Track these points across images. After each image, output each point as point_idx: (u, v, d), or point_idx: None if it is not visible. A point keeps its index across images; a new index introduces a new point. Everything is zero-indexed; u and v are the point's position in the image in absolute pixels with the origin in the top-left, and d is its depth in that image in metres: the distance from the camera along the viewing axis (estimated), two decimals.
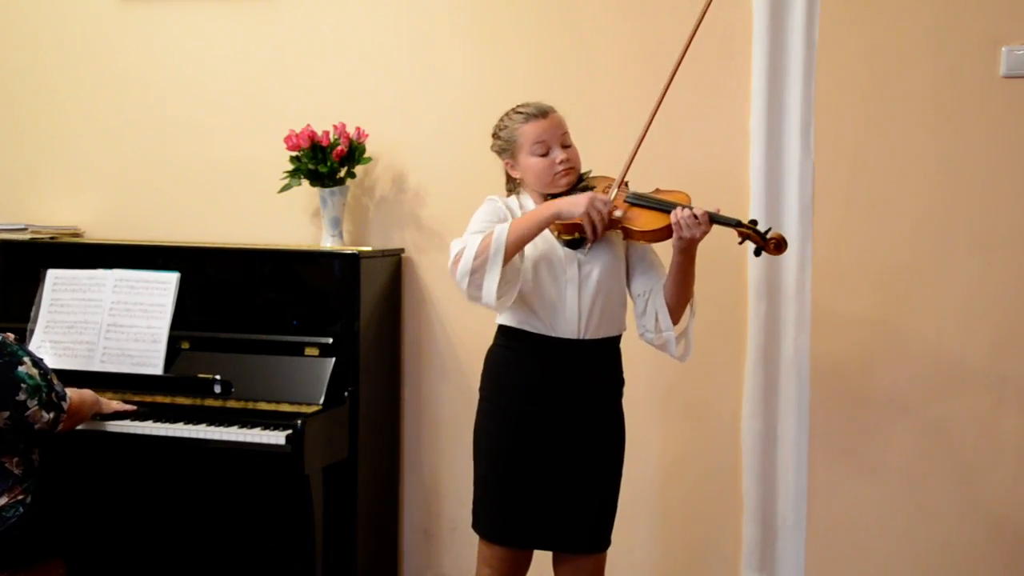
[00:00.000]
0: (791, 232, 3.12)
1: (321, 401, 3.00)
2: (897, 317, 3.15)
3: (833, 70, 3.12)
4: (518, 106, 2.59)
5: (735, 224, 2.38)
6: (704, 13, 2.52)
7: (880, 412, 3.17)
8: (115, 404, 2.97)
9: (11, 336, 2.72)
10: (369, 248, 3.28)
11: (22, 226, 3.48)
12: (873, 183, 3.14)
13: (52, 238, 3.51)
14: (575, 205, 2.38)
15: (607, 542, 2.59)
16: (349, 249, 3.18)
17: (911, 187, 3.13)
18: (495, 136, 2.61)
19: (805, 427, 3.17)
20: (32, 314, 3.21)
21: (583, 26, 3.29)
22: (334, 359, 3.07)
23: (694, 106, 3.20)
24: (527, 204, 2.59)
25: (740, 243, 2.42)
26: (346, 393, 3.08)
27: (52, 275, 3.25)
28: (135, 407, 3.00)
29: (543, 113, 2.54)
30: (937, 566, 3.16)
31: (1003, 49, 3.05)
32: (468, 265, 2.38)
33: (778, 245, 2.37)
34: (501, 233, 2.37)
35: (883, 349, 3.16)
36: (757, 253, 2.41)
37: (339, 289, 3.14)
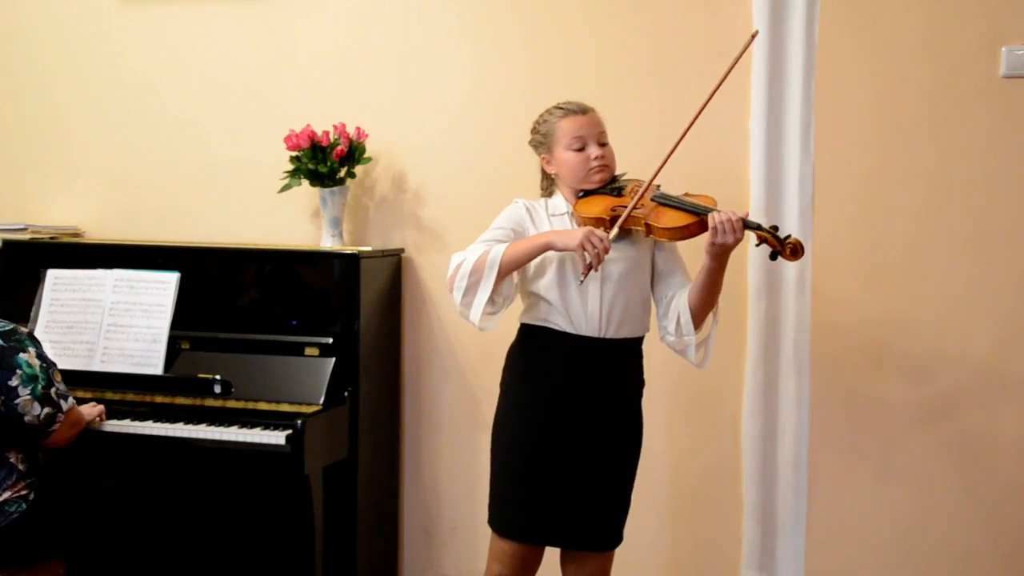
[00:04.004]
0: (791, 232, 3.12)
1: (321, 401, 3.00)
2: (897, 316, 3.15)
3: (833, 70, 3.12)
4: (559, 103, 2.62)
5: (757, 228, 2.40)
6: (745, 48, 2.48)
7: (880, 412, 3.17)
8: (93, 411, 2.96)
9: (25, 329, 2.74)
10: (369, 248, 3.28)
11: (22, 226, 3.48)
12: (873, 183, 3.14)
13: (52, 238, 3.51)
14: (571, 238, 2.39)
15: (619, 540, 2.60)
16: (349, 249, 3.18)
17: (911, 187, 3.13)
18: (533, 131, 2.64)
19: (805, 427, 3.17)
20: (32, 314, 3.21)
21: (584, 28, 3.29)
22: (334, 359, 3.07)
23: (694, 106, 3.20)
24: (556, 205, 2.61)
25: (757, 245, 2.43)
26: (346, 393, 3.08)
27: (52, 275, 3.25)
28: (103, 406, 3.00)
29: (583, 110, 2.58)
30: (937, 566, 3.16)
31: (1003, 49, 3.05)
32: (464, 281, 2.45)
33: (794, 250, 2.38)
34: (497, 254, 2.43)
35: (883, 348, 3.16)
36: (773, 257, 2.42)
37: (339, 289, 3.14)
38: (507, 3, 3.34)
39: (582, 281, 2.43)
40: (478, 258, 2.44)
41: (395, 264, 3.41)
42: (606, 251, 2.38)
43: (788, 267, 3.13)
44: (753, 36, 2.49)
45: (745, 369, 3.20)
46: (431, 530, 3.49)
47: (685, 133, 2.49)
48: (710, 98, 2.48)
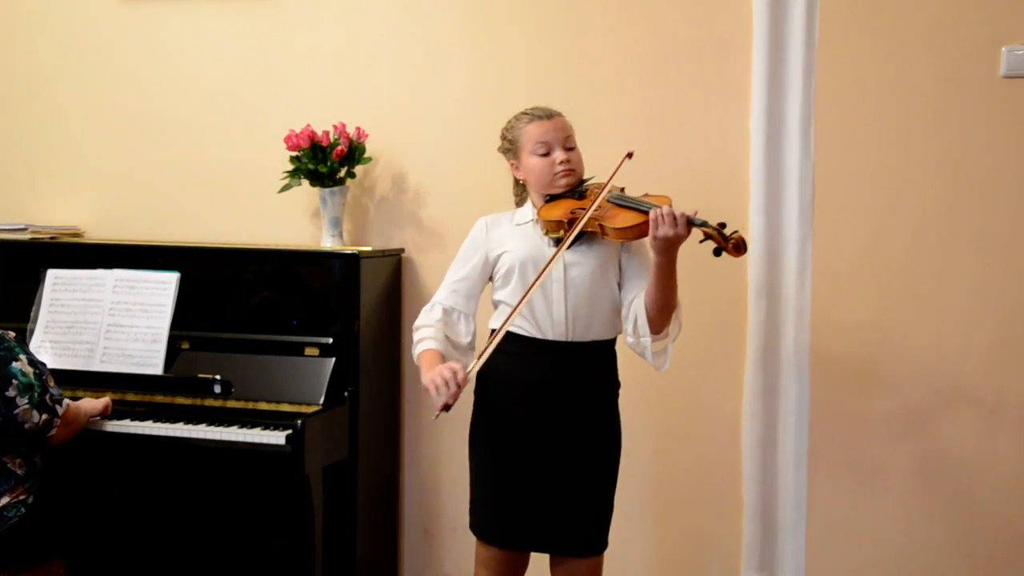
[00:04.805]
0: (791, 232, 3.13)
1: (321, 401, 3.00)
2: (897, 317, 3.15)
3: (833, 70, 3.12)
4: (526, 108, 2.62)
5: (703, 224, 2.35)
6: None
7: (880, 412, 3.16)
8: (99, 403, 2.96)
9: (11, 334, 2.72)
10: (369, 248, 3.28)
11: (22, 226, 3.48)
12: (873, 183, 3.14)
13: (52, 238, 3.51)
14: (425, 373, 2.42)
15: (603, 544, 2.58)
16: (349, 249, 3.18)
17: (911, 187, 3.13)
18: (502, 137, 2.65)
19: (805, 427, 3.17)
20: (32, 314, 3.21)
21: (585, 28, 3.29)
22: (334, 359, 3.07)
23: (694, 106, 3.21)
24: (522, 214, 2.62)
25: (701, 242, 2.38)
26: (346, 393, 3.08)
27: (52, 275, 3.25)
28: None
29: (548, 115, 2.58)
30: (936, 566, 3.16)
31: (1003, 49, 3.05)
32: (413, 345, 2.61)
33: (737, 246, 2.34)
34: (418, 351, 2.54)
35: (883, 349, 3.16)
36: (717, 253, 2.37)
37: (339, 289, 3.14)
38: (507, 3, 3.34)
39: (436, 416, 2.38)
40: (418, 336, 2.57)
41: (395, 264, 3.41)
42: (460, 386, 2.34)
43: (788, 268, 3.13)
44: (628, 156, 2.48)
45: (745, 369, 3.20)
46: (431, 530, 3.49)
47: (604, 190, 2.48)
48: (607, 184, 2.49)
